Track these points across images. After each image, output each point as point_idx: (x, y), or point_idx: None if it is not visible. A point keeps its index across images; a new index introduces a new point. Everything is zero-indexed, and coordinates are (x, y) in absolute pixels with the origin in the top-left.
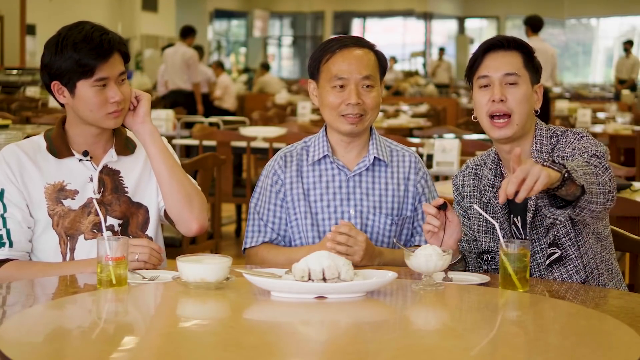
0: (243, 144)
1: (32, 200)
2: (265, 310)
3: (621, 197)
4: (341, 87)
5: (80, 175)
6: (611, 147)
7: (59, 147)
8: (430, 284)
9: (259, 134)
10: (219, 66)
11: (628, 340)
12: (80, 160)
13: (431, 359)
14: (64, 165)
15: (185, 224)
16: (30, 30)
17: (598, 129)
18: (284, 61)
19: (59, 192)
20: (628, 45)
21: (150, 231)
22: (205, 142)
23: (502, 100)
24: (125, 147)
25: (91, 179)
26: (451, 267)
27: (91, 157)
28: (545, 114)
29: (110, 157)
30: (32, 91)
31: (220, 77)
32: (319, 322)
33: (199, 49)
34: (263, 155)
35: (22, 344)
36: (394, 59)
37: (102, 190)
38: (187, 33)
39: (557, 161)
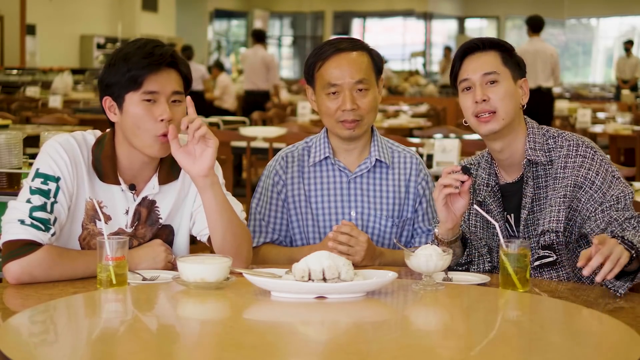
0: (243, 144)
1: (75, 205)
2: (265, 310)
3: None
4: (335, 93)
5: (118, 204)
6: (611, 147)
7: (107, 171)
8: (430, 284)
9: (259, 134)
10: (216, 66)
11: (628, 340)
12: (123, 190)
13: (431, 359)
14: (107, 187)
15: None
16: (30, 30)
17: (598, 129)
18: (284, 61)
19: (95, 212)
20: (629, 45)
21: (173, 250)
22: None
23: (484, 100)
24: (169, 174)
25: (127, 212)
26: (450, 244)
27: (135, 188)
28: (548, 114)
29: (151, 189)
30: (32, 91)
31: (219, 77)
32: (319, 322)
33: (188, 50)
34: (263, 155)
35: (22, 344)
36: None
37: (135, 224)
38: (262, 37)
39: (616, 235)
